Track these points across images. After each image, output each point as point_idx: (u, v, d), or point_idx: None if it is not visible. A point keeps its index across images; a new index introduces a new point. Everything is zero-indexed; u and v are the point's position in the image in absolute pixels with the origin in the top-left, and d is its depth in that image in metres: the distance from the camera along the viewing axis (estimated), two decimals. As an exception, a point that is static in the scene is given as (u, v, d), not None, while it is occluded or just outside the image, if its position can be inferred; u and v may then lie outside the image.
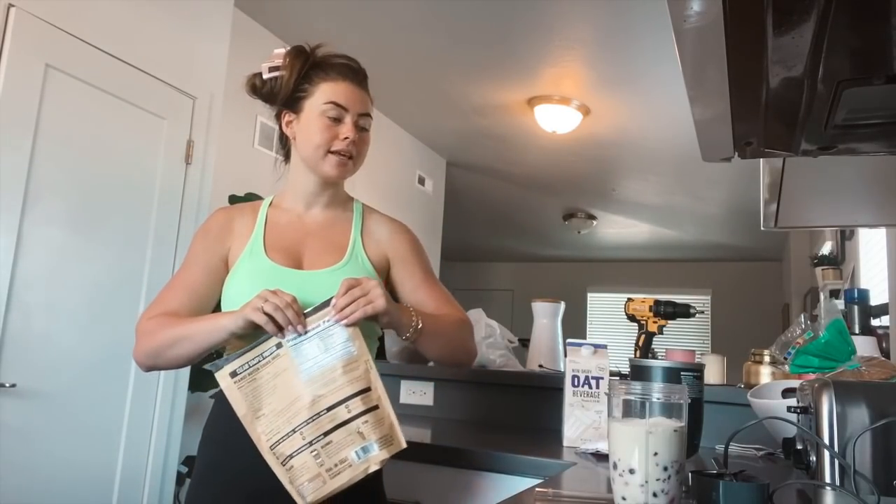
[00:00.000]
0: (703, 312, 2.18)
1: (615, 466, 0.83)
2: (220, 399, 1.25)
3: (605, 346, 1.69)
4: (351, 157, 1.32)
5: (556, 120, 4.65)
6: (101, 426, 2.32)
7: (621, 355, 2.07)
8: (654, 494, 0.80)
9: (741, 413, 1.59)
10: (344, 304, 1.16)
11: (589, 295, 9.81)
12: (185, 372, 2.63)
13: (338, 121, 1.31)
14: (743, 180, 5.77)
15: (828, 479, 0.96)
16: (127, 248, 2.42)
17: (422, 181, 5.96)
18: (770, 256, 8.64)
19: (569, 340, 1.73)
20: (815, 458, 1.00)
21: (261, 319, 1.14)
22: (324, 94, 1.31)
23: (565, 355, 1.72)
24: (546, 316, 2.25)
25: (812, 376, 1.23)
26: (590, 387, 1.63)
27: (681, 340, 8.60)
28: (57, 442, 2.16)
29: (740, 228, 7.48)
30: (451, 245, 8.00)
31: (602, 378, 1.64)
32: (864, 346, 1.62)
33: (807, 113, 0.84)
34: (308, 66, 1.33)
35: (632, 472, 0.81)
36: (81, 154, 2.27)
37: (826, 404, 0.97)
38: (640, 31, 3.59)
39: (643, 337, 2.03)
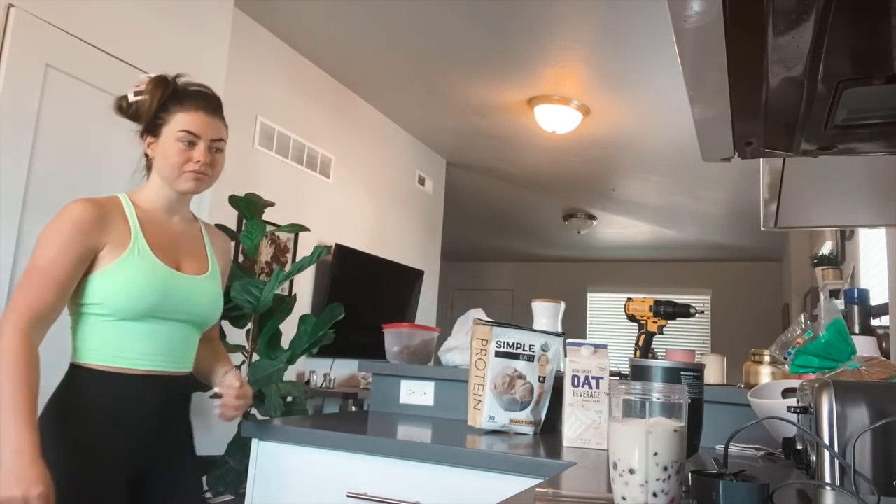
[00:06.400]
0: (703, 312, 2.18)
1: (615, 466, 0.83)
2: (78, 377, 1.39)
3: (605, 346, 1.69)
4: (205, 174, 1.44)
5: (556, 120, 4.65)
6: (101, 426, 2.31)
7: (621, 355, 2.07)
8: (654, 494, 0.80)
9: (741, 413, 1.59)
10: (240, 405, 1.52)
11: (589, 295, 9.83)
12: (185, 372, 2.62)
13: (192, 145, 1.42)
14: (743, 180, 5.78)
15: (828, 479, 0.96)
16: (127, 248, 2.42)
17: (422, 181, 5.97)
18: (770, 256, 8.65)
19: (569, 340, 1.73)
20: (815, 458, 1.00)
21: None
22: (179, 123, 1.42)
23: (565, 355, 1.72)
24: (546, 316, 2.24)
25: (812, 376, 1.23)
26: (590, 387, 1.63)
27: (681, 340, 8.62)
28: (57, 442, 2.15)
29: (740, 228, 7.49)
30: (451, 245, 8.01)
31: (602, 378, 1.64)
32: (864, 346, 1.62)
33: (807, 113, 0.84)
34: (168, 94, 1.45)
35: (632, 472, 0.81)
36: (81, 154, 2.27)
37: (826, 404, 0.97)
38: (640, 31, 3.60)
39: (643, 337, 2.03)
